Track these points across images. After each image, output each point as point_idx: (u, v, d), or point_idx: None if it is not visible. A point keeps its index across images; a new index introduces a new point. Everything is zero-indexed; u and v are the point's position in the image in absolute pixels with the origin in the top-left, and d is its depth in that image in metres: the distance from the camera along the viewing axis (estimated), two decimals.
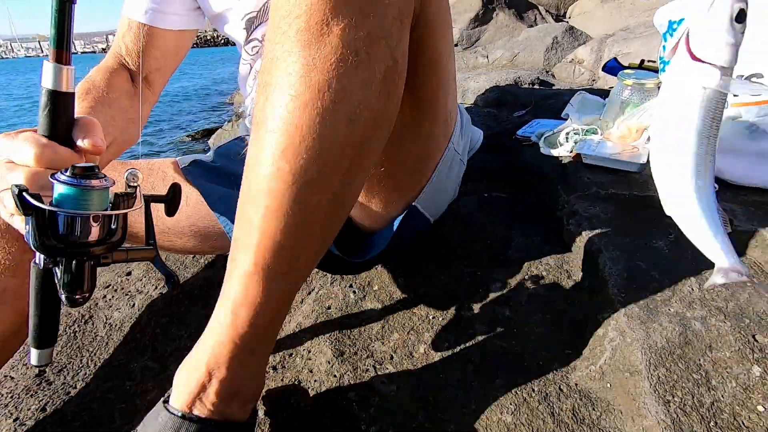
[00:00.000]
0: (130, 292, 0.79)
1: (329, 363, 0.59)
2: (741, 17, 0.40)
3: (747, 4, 0.40)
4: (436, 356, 0.60)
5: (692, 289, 0.60)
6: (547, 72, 1.84)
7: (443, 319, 0.66)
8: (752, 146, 0.69)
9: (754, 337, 0.52)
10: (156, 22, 0.76)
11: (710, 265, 0.63)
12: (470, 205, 0.91)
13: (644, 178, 0.81)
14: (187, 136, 4.89)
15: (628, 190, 0.78)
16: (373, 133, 0.42)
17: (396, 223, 0.68)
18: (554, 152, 0.91)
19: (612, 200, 0.77)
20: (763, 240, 0.63)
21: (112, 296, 0.79)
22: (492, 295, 0.70)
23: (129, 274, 0.84)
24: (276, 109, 0.38)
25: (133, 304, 0.76)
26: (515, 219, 0.86)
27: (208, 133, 4.85)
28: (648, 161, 0.82)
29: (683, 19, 0.71)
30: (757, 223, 0.65)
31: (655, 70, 0.88)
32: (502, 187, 0.94)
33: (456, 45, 3.44)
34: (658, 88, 0.86)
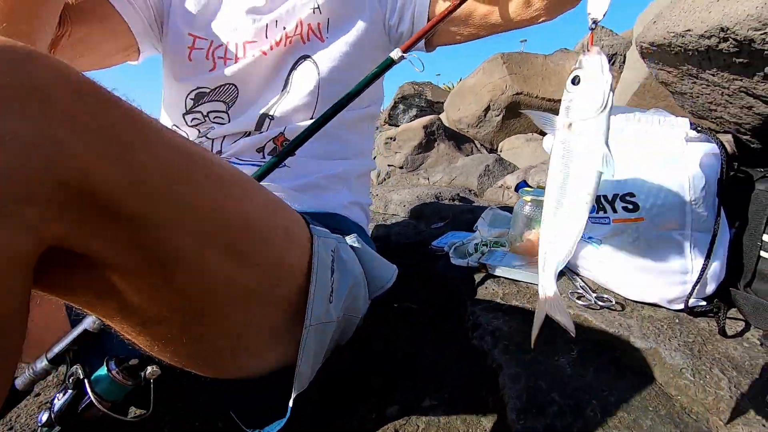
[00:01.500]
0: None
1: None
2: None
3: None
4: None
5: (595, 414, 0.54)
6: (470, 191, 1.96)
7: None
8: (636, 261, 0.71)
9: None
10: None
11: (612, 386, 0.58)
12: (378, 318, 0.84)
13: None
14: None
15: (531, 303, 0.76)
16: None
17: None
18: (463, 262, 0.90)
19: (515, 313, 0.74)
20: (661, 359, 0.60)
21: None
22: (390, 422, 0.61)
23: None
24: None
25: None
26: (425, 331, 0.80)
27: None
28: None
29: None
30: (652, 341, 0.63)
31: None
32: (414, 296, 0.89)
33: (402, 167, 3.68)
34: None
